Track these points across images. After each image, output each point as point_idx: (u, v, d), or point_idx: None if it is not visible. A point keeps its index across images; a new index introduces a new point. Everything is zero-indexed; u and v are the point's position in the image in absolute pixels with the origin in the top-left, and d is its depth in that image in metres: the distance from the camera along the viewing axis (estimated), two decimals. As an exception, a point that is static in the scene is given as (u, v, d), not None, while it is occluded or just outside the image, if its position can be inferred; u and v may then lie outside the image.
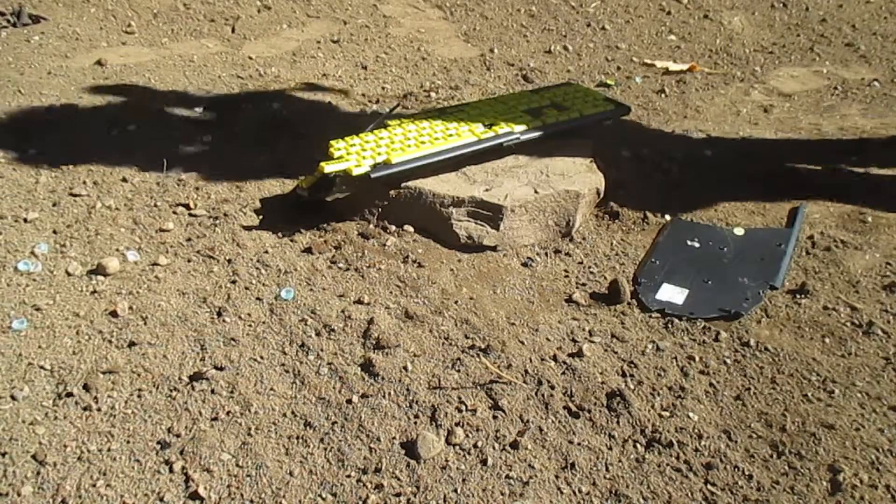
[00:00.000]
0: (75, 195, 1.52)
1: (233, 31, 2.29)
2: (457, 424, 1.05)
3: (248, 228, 1.44)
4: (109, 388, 1.09)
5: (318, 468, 0.99)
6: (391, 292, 1.29)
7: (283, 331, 1.21)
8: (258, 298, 1.27)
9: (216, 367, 1.13)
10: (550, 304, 1.28)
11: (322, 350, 1.17)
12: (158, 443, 1.01)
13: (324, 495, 0.96)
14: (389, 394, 1.09)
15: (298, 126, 1.80)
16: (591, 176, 1.52)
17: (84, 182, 1.56)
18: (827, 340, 1.21)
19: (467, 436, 1.04)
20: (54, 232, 1.41)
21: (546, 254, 1.40)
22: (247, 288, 1.29)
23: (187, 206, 1.49)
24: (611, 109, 1.67)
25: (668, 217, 1.50)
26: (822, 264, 1.37)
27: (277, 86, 1.99)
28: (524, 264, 1.37)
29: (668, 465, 1.00)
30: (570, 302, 1.29)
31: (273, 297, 1.27)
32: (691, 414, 1.08)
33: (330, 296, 1.28)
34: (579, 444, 1.03)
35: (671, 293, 1.30)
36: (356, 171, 1.40)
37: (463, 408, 1.07)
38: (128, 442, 1.01)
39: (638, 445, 1.03)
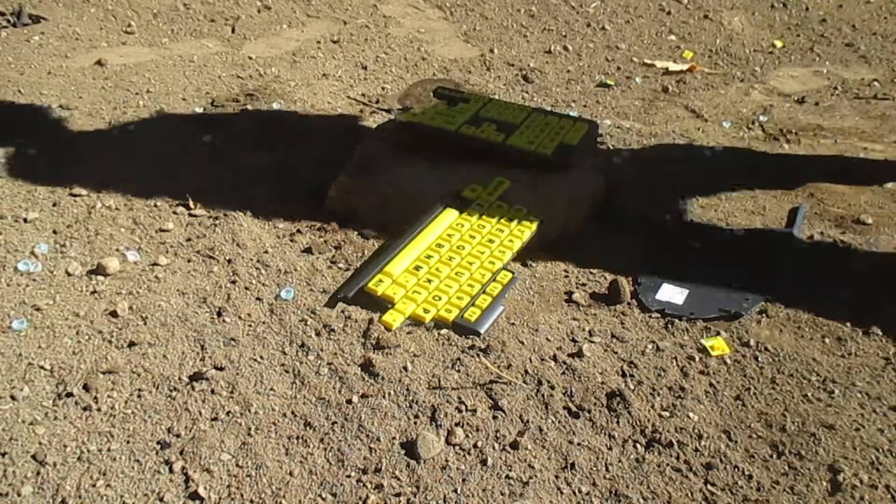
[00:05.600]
0: (75, 195, 1.52)
1: (233, 31, 2.29)
2: (457, 424, 1.05)
3: (248, 228, 1.44)
4: (109, 388, 1.09)
5: (318, 468, 0.99)
6: (391, 292, 1.29)
7: (283, 331, 1.21)
8: (258, 298, 1.27)
9: (216, 367, 1.13)
10: (550, 304, 1.28)
11: (322, 350, 1.17)
12: (158, 443, 1.01)
13: (324, 495, 0.96)
14: (389, 394, 1.09)
15: (298, 126, 1.80)
16: (592, 176, 1.51)
17: (84, 182, 1.56)
18: (827, 340, 1.21)
19: (467, 436, 1.04)
20: (54, 232, 1.41)
21: (546, 254, 1.40)
22: (247, 288, 1.29)
23: (187, 206, 1.49)
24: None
25: (668, 217, 1.50)
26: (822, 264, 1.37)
27: (277, 86, 1.99)
28: (524, 264, 1.37)
29: (668, 465, 1.00)
30: (570, 302, 1.29)
31: (273, 297, 1.27)
32: (691, 414, 1.08)
33: (330, 296, 1.28)
34: (579, 444, 1.03)
35: (671, 293, 1.30)
36: None
37: (463, 408, 1.07)
38: (128, 442, 1.01)
39: (638, 445, 1.03)
